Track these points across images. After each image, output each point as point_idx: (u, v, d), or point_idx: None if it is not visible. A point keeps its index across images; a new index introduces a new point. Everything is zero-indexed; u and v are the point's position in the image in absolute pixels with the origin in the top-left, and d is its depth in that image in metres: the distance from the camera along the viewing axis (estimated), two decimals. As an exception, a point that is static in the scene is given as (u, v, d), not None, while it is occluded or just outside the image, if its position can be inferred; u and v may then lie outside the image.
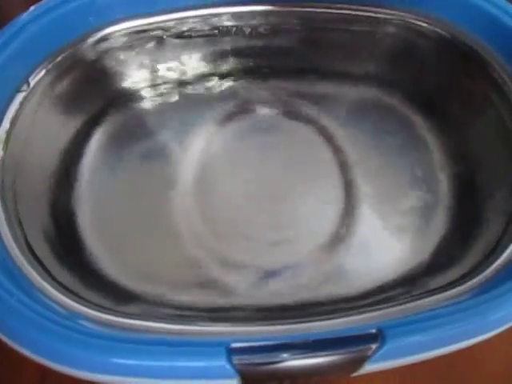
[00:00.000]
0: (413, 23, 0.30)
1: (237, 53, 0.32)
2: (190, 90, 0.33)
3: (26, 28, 0.26)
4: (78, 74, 0.29)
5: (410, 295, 0.23)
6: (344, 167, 0.30)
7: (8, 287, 0.20)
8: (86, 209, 0.28)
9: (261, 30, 0.32)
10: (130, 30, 0.30)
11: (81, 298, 0.22)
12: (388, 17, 0.31)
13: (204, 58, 0.32)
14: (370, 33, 0.31)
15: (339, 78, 0.33)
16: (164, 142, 0.31)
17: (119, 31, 0.30)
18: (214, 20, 0.31)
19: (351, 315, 0.22)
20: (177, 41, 0.31)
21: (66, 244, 0.26)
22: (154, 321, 0.21)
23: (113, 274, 0.26)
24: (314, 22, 0.31)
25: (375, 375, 0.21)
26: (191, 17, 0.31)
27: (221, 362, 0.18)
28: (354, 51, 0.32)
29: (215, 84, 0.33)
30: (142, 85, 0.32)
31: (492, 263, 0.23)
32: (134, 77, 0.32)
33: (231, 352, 0.18)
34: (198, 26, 0.31)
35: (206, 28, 0.31)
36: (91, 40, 0.29)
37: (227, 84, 0.33)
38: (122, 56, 0.31)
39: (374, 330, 0.19)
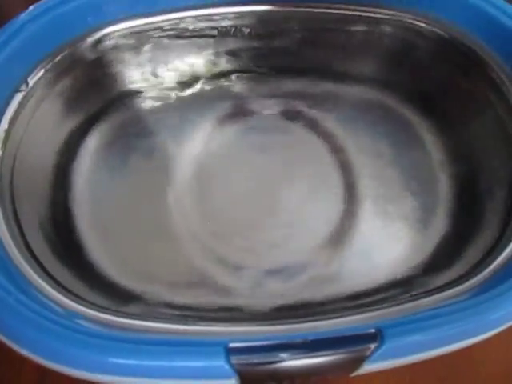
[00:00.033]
0: (411, 23, 0.30)
1: (236, 53, 0.32)
2: (189, 90, 0.33)
3: (25, 27, 0.26)
4: (76, 74, 0.29)
5: (409, 295, 0.23)
6: (343, 167, 0.30)
7: (6, 286, 0.20)
8: (84, 208, 0.28)
9: (260, 30, 0.32)
10: (129, 30, 0.30)
11: (79, 297, 0.22)
12: (386, 17, 0.31)
13: (203, 59, 0.32)
14: (368, 33, 0.31)
15: (338, 78, 0.33)
16: (163, 141, 0.31)
17: (118, 31, 0.30)
18: (214, 20, 0.31)
19: (350, 315, 0.22)
20: (176, 41, 0.31)
21: (65, 243, 0.26)
22: (153, 321, 0.21)
23: (111, 274, 0.26)
24: (313, 23, 0.31)
25: (374, 375, 0.21)
26: (190, 17, 0.31)
27: (219, 362, 0.18)
28: (353, 51, 0.32)
29: (214, 84, 0.33)
30: (141, 85, 0.32)
31: (491, 263, 0.23)
32: (133, 77, 0.32)
33: (229, 352, 0.18)
34: (198, 27, 0.31)
35: (206, 28, 0.31)
36: (90, 40, 0.29)
37: (226, 84, 0.33)
38: (120, 56, 0.31)
39: (372, 330, 0.19)
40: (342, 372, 0.20)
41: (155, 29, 0.30)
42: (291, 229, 0.28)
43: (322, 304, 0.25)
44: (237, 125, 0.32)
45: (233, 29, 0.31)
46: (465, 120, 0.30)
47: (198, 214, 0.28)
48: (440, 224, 0.28)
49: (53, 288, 0.21)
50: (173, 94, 0.32)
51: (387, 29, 0.31)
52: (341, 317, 0.22)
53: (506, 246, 0.23)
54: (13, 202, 0.24)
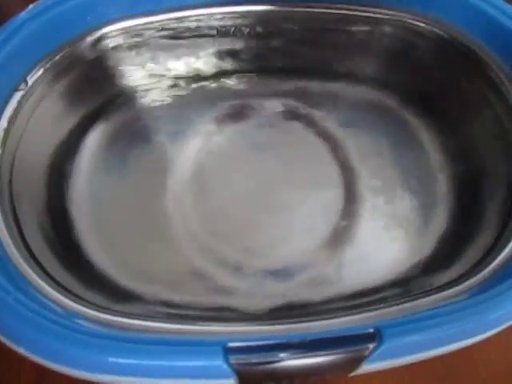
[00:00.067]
0: (411, 23, 0.30)
1: (235, 53, 0.32)
2: (188, 89, 0.33)
3: (24, 26, 0.26)
4: (76, 73, 0.29)
5: (408, 295, 0.23)
6: (343, 167, 0.30)
7: (5, 286, 0.20)
8: (83, 207, 0.28)
9: (260, 30, 0.32)
10: (128, 30, 0.30)
11: (78, 297, 0.22)
12: (386, 17, 0.31)
13: (203, 58, 0.32)
14: (368, 33, 0.31)
15: (338, 78, 0.33)
16: (162, 141, 0.31)
17: (118, 30, 0.30)
18: (213, 20, 0.31)
19: (349, 315, 0.22)
20: (175, 41, 0.31)
21: (64, 242, 0.26)
22: (152, 320, 0.21)
23: (110, 274, 0.26)
24: (312, 23, 0.31)
25: (373, 375, 0.21)
26: (190, 16, 0.31)
27: (218, 362, 0.18)
28: (352, 51, 0.32)
29: (214, 84, 0.33)
30: (141, 84, 0.32)
31: (490, 263, 0.23)
32: (133, 76, 0.32)
33: (228, 351, 0.18)
34: (197, 26, 0.31)
35: (205, 28, 0.31)
36: (90, 39, 0.29)
37: (226, 84, 0.33)
38: (120, 55, 0.31)
39: (371, 330, 0.19)
40: (340, 372, 0.20)
41: (155, 28, 0.30)
42: (291, 229, 0.28)
43: (321, 304, 0.25)
44: (236, 124, 0.32)
45: (232, 28, 0.31)
46: (464, 120, 0.30)
47: (198, 213, 0.28)
48: (439, 224, 0.28)
49: (52, 288, 0.21)
50: (172, 94, 0.32)
51: (387, 29, 0.31)
52: (340, 317, 0.22)
53: (505, 246, 0.23)
54: (12, 201, 0.24)
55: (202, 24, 0.31)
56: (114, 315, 0.21)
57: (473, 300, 0.21)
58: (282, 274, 0.26)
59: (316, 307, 0.25)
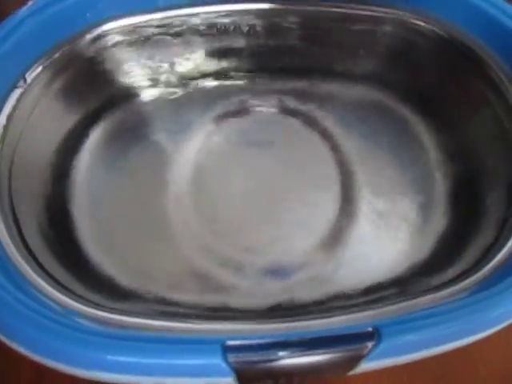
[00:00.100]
0: (411, 22, 0.30)
1: (235, 51, 0.32)
2: (187, 88, 0.32)
3: (23, 23, 0.26)
4: (75, 71, 0.29)
5: (407, 294, 0.23)
6: (342, 166, 0.30)
7: (4, 284, 0.20)
8: (82, 206, 0.28)
9: (259, 28, 0.31)
10: (127, 27, 0.30)
11: (77, 295, 0.22)
12: (386, 16, 0.31)
13: (202, 57, 0.32)
14: (368, 32, 0.31)
15: (338, 77, 0.33)
16: (162, 140, 0.31)
17: (117, 28, 0.29)
18: (212, 18, 0.31)
19: (348, 313, 0.22)
20: (175, 38, 0.31)
21: (62, 241, 0.26)
22: (151, 318, 0.21)
23: (110, 272, 0.26)
24: (312, 21, 0.31)
25: (371, 374, 0.21)
26: (189, 14, 0.30)
27: (216, 360, 0.18)
28: (352, 50, 0.32)
29: (213, 82, 0.33)
30: (140, 83, 0.32)
31: (489, 262, 0.23)
32: (132, 74, 0.32)
33: (226, 350, 0.18)
34: (196, 24, 0.31)
35: (204, 26, 0.31)
36: (89, 36, 0.29)
37: (225, 83, 0.33)
38: (119, 53, 0.30)
39: (370, 329, 0.19)
40: (339, 371, 0.20)
41: (154, 26, 0.30)
42: (290, 228, 0.28)
43: (320, 303, 0.25)
44: (236, 123, 0.32)
45: (232, 26, 0.31)
46: (464, 119, 0.30)
47: (197, 212, 0.28)
48: (438, 223, 0.28)
49: (51, 286, 0.21)
50: (172, 92, 0.32)
51: (387, 28, 0.31)
52: (338, 315, 0.22)
53: (504, 245, 0.23)
54: (11, 200, 0.24)
55: (201, 22, 0.31)
56: (113, 313, 0.21)
57: (472, 299, 0.21)
58: (281, 272, 0.26)
59: (315, 306, 0.25)
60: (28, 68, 0.27)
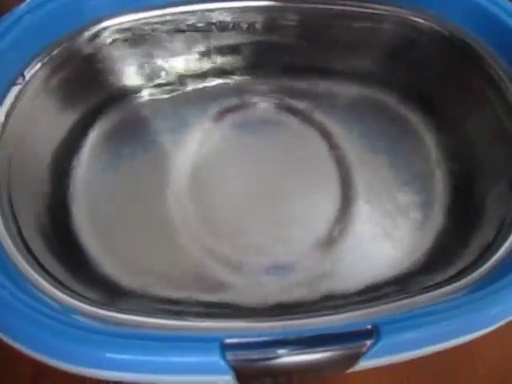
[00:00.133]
0: (411, 20, 0.30)
1: (234, 49, 0.32)
2: (186, 86, 0.32)
3: (22, 20, 0.26)
4: (74, 69, 0.29)
5: (406, 292, 0.23)
6: (341, 165, 0.30)
7: (2, 281, 0.20)
8: (81, 204, 0.28)
9: (258, 26, 0.31)
10: (126, 25, 0.30)
11: (75, 292, 0.22)
12: (386, 13, 0.31)
13: (201, 54, 0.32)
14: (368, 30, 0.31)
15: (337, 75, 0.33)
16: (161, 138, 0.31)
17: (116, 25, 0.29)
18: (211, 15, 0.31)
19: (346, 312, 0.22)
20: (173, 36, 0.31)
21: (61, 239, 0.26)
22: (149, 316, 0.21)
23: (108, 270, 0.26)
24: (311, 19, 0.31)
25: (370, 372, 0.21)
26: (188, 12, 0.30)
27: (214, 358, 0.18)
28: (352, 48, 0.32)
29: (212, 81, 0.33)
30: (139, 81, 0.32)
31: (488, 260, 0.23)
32: (131, 72, 0.31)
33: (225, 348, 0.18)
34: (195, 21, 0.31)
35: (203, 23, 0.31)
36: (88, 34, 0.29)
37: (224, 80, 0.33)
38: (118, 51, 0.30)
39: (369, 326, 0.19)
40: (338, 368, 0.20)
41: (152, 24, 0.30)
42: (288, 226, 0.28)
43: (319, 301, 0.25)
44: (235, 122, 0.31)
45: (231, 24, 0.31)
46: (463, 117, 0.30)
47: (197, 211, 0.28)
48: (437, 221, 0.28)
49: (50, 284, 0.21)
50: (170, 90, 0.32)
51: (387, 25, 0.31)
52: (337, 313, 0.22)
53: (502, 243, 0.23)
54: (10, 199, 0.24)
55: (200, 19, 0.31)
56: (112, 311, 0.21)
57: (471, 297, 0.21)
58: (280, 271, 0.26)
59: (314, 304, 0.25)
60: (27, 65, 0.26)
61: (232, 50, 0.32)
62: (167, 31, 0.31)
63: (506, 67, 0.27)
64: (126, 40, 0.30)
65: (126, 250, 0.27)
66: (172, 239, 0.27)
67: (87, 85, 0.30)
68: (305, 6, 0.31)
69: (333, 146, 0.31)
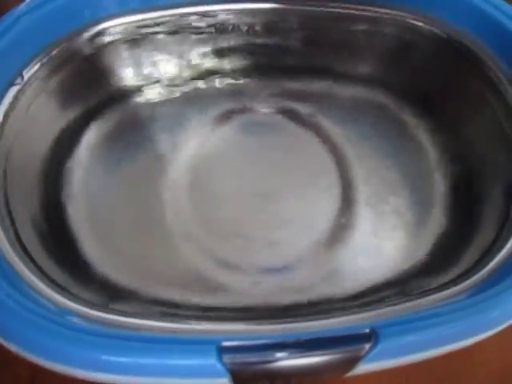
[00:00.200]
0: (409, 22, 0.30)
1: (234, 51, 0.32)
2: (185, 87, 0.32)
3: (21, 20, 0.26)
4: (73, 69, 0.29)
5: (406, 295, 0.23)
6: (341, 167, 0.30)
7: (-1, 284, 0.20)
8: (78, 205, 0.28)
9: (258, 27, 0.31)
10: (126, 26, 0.30)
11: (72, 294, 0.22)
12: (386, 16, 0.31)
13: (201, 56, 0.32)
14: (367, 32, 0.31)
15: (337, 77, 0.33)
16: (160, 139, 0.31)
17: (115, 26, 0.29)
18: (211, 17, 0.31)
19: (345, 315, 0.22)
20: (173, 37, 0.31)
21: (58, 240, 0.26)
22: (146, 318, 0.21)
23: (105, 272, 0.26)
24: (311, 21, 0.31)
25: (369, 376, 0.20)
26: (187, 13, 0.30)
27: (211, 361, 0.18)
28: (352, 51, 0.32)
29: (211, 82, 0.33)
30: (138, 82, 0.32)
31: (488, 263, 0.22)
32: (130, 73, 0.31)
33: (222, 350, 0.18)
34: (195, 23, 0.31)
35: (203, 25, 0.31)
36: (87, 34, 0.29)
37: (224, 82, 0.33)
38: (117, 51, 0.30)
39: (367, 330, 0.19)
40: (336, 372, 0.20)
41: (152, 25, 0.30)
42: (288, 228, 0.28)
43: (317, 304, 0.25)
44: (234, 123, 0.31)
45: (230, 26, 0.31)
46: (462, 120, 0.30)
47: (195, 212, 0.28)
48: (437, 224, 0.28)
49: (47, 286, 0.21)
50: (169, 91, 0.32)
51: (386, 28, 0.31)
52: (336, 316, 0.22)
53: (503, 246, 0.23)
54: (6, 197, 0.23)
55: (199, 21, 0.31)
56: (108, 313, 0.21)
57: (471, 300, 0.21)
58: (278, 273, 0.26)
59: (312, 307, 0.25)
60: (25, 65, 0.26)
61: (231, 51, 0.32)
62: (166, 33, 0.31)
63: (506, 69, 0.27)
64: (125, 41, 0.30)
65: (123, 250, 0.27)
66: (170, 240, 0.27)
67: (86, 85, 0.30)
68: (305, 8, 0.31)
69: (332, 147, 0.30)
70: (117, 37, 0.30)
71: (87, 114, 0.30)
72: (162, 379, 0.19)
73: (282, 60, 0.32)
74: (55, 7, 0.27)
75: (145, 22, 0.30)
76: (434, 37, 0.30)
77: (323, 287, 0.26)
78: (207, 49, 0.32)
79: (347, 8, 0.31)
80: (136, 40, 0.30)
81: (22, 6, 0.27)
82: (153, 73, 0.32)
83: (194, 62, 0.32)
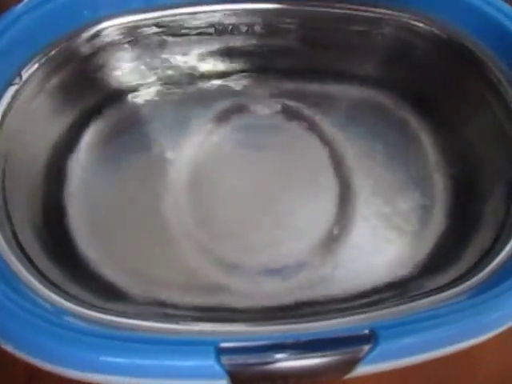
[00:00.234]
0: (409, 23, 0.30)
1: (233, 51, 0.32)
2: (185, 88, 0.32)
3: (20, 20, 0.26)
4: (72, 69, 0.29)
5: (405, 296, 0.23)
6: (340, 168, 0.30)
7: (-5, 283, 0.20)
8: (77, 206, 0.27)
9: (258, 28, 0.31)
10: (125, 26, 0.30)
11: (70, 295, 0.22)
12: (385, 17, 0.31)
13: (200, 56, 0.32)
14: (367, 33, 0.31)
15: (337, 78, 0.33)
16: (159, 140, 0.30)
17: (114, 26, 0.29)
18: (211, 18, 0.31)
19: (344, 316, 0.22)
20: (172, 38, 0.31)
21: (56, 240, 0.26)
22: (144, 319, 0.21)
23: (103, 272, 0.25)
24: (311, 22, 0.31)
25: (368, 378, 0.20)
26: (187, 14, 0.30)
27: (209, 362, 0.18)
28: (351, 51, 0.32)
29: (211, 83, 0.32)
30: (137, 82, 0.32)
31: (488, 264, 0.22)
32: (129, 74, 0.31)
33: (220, 352, 0.18)
34: (194, 24, 0.31)
35: (202, 25, 0.31)
36: (86, 34, 0.29)
37: (223, 83, 0.33)
38: (116, 52, 0.30)
39: (366, 331, 0.19)
40: (335, 374, 0.20)
41: (151, 25, 0.30)
42: (287, 229, 0.28)
43: (316, 305, 0.25)
44: (234, 124, 0.31)
45: (230, 26, 0.31)
46: (462, 120, 0.30)
47: (195, 213, 0.28)
48: (437, 225, 0.28)
49: (44, 286, 0.21)
50: (169, 92, 0.32)
51: (386, 29, 0.31)
52: (335, 318, 0.22)
53: (503, 247, 0.23)
54: (4, 198, 0.23)
55: (199, 21, 0.31)
56: (106, 314, 0.21)
57: (471, 302, 0.20)
58: (278, 274, 0.26)
59: (312, 308, 0.25)
60: (24, 65, 0.26)
61: (232, 52, 0.32)
62: (166, 33, 0.31)
63: (506, 70, 0.27)
64: (124, 41, 0.30)
65: (122, 251, 0.27)
66: (169, 241, 0.27)
67: (85, 85, 0.30)
68: (305, 8, 0.31)
69: (332, 148, 0.30)
70: (116, 37, 0.30)
71: (86, 113, 0.30)
72: (159, 380, 0.19)
73: (281, 60, 0.32)
74: (54, 7, 0.27)
75: (144, 22, 0.30)
76: (434, 38, 0.30)
77: (322, 288, 0.26)
78: (207, 49, 0.32)
79: (347, 9, 0.31)
80: (135, 40, 0.30)
81: (21, 6, 0.27)
82: (152, 73, 0.32)
83: (193, 63, 0.32)
